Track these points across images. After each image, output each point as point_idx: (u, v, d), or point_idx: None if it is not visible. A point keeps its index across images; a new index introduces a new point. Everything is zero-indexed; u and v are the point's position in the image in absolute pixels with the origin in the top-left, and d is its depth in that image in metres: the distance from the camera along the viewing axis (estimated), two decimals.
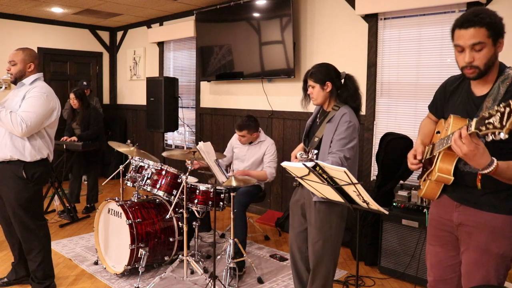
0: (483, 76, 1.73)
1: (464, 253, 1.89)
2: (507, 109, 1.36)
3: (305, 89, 2.67)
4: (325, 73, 2.57)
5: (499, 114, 1.38)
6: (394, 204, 3.54)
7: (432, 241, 2.04)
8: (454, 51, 1.78)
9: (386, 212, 2.02)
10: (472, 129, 1.49)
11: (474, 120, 1.50)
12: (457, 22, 1.72)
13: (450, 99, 1.94)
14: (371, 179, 4.28)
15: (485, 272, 1.81)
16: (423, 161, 1.96)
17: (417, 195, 3.47)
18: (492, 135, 1.40)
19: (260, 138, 4.01)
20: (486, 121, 1.42)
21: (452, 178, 1.77)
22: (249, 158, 3.97)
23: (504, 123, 1.36)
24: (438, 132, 1.98)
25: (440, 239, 1.99)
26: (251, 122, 3.90)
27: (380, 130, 4.25)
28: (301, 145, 2.74)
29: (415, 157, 1.95)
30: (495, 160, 1.56)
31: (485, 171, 1.57)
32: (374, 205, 1.97)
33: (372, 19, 4.22)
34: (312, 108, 2.76)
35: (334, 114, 2.54)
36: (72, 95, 5.23)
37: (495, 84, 1.74)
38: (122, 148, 3.75)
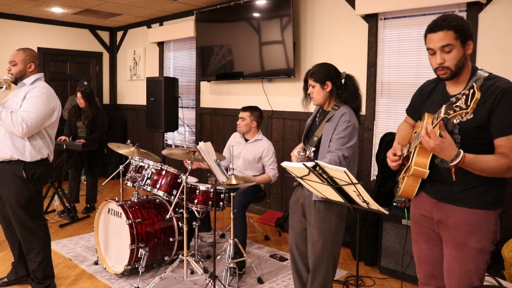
0: (455, 77, 1.85)
1: (445, 250, 1.96)
2: (471, 91, 1.48)
3: (305, 88, 2.68)
4: (325, 72, 2.57)
5: (464, 96, 1.51)
6: (394, 204, 3.54)
7: (417, 239, 2.11)
8: (428, 54, 1.90)
9: (386, 212, 2.03)
10: (442, 114, 1.60)
11: (443, 106, 1.61)
12: (428, 27, 1.86)
13: (427, 100, 2.04)
14: (371, 179, 4.28)
15: (465, 267, 1.88)
16: (401, 159, 2.05)
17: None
18: (460, 117, 1.53)
19: (257, 137, 4.02)
20: (454, 105, 1.54)
21: (428, 171, 1.86)
22: (245, 155, 3.98)
23: (468, 103, 1.48)
24: (415, 132, 2.06)
25: (424, 236, 2.06)
26: (255, 110, 4.01)
27: (380, 130, 4.25)
28: (301, 144, 2.74)
29: (394, 155, 2.04)
30: (462, 152, 1.67)
31: (454, 163, 1.68)
32: (374, 205, 1.98)
33: (372, 19, 4.23)
34: (312, 108, 2.77)
35: (334, 114, 2.54)
36: (79, 94, 5.23)
37: (468, 84, 1.85)
38: (122, 150, 3.75)
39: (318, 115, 2.70)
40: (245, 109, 4.00)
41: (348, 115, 2.50)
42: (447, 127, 1.80)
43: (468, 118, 1.51)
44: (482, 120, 1.76)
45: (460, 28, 1.77)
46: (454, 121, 1.56)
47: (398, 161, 2.02)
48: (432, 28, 1.83)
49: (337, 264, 2.69)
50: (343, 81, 2.62)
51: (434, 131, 1.66)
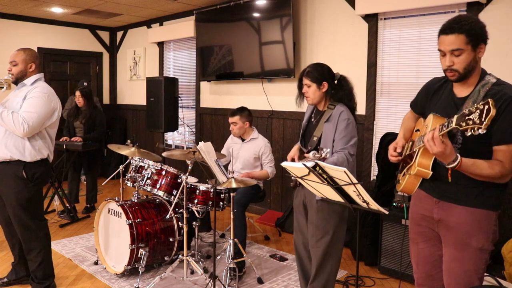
0: (463, 79, 1.86)
1: (445, 250, 1.96)
2: (486, 107, 1.49)
3: (300, 87, 2.71)
4: (321, 73, 2.61)
5: (478, 111, 1.52)
6: (394, 204, 3.54)
7: (415, 239, 2.12)
8: (439, 54, 1.89)
9: (386, 212, 2.03)
10: (453, 124, 1.62)
11: (455, 116, 1.62)
12: (441, 28, 1.85)
13: (432, 98, 2.04)
14: (371, 179, 4.28)
15: (465, 267, 1.89)
16: (402, 156, 2.09)
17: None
18: (472, 131, 1.54)
19: (253, 135, 4.03)
20: (466, 118, 1.56)
21: (431, 172, 1.88)
22: (243, 155, 3.99)
23: (483, 119, 1.49)
24: (418, 130, 2.08)
25: (423, 235, 2.07)
26: (242, 111, 3.99)
27: (380, 130, 4.25)
28: (297, 146, 2.75)
29: (395, 150, 2.08)
30: (459, 157, 1.74)
31: (451, 166, 1.75)
32: (374, 205, 1.98)
33: (372, 19, 4.23)
34: (305, 107, 2.79)
35: (331, 113, 2.57)
36: (78, 93, 5.23)
37: (476, 87, 1.86)
38: (122, 150, 3.75)
39: (313, 115, 2.72)
40: (233, 113, 3.98)
41: (346, 112, 2.55)
42: (452, 130, 1.82)
43: (481, 133, 1.52)
44: None
45: (472, 32, 1.76)
46: (466, 133, 1.58)
47: (397, 158, 2.06)
48: (444, 30, 1.82)
49: (340, 262, 2.70)
50: (336, 82, 2.66)
51: (439, 138, 1.70)
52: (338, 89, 2.63)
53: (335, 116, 2.54)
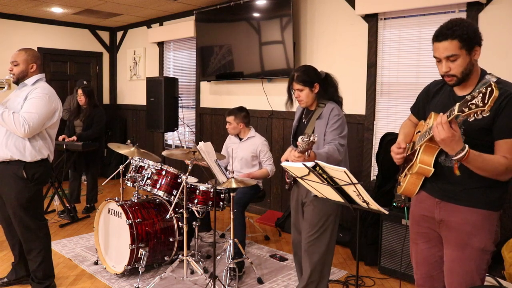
0: (462, 83, 1.87)
1: (446, 250, 1.96)
2: (489, 89, 1.49)
3: (289, 91, 2.77)
4: (311, 75, 2.66)
5: (481, 94, 1.51)
6: (394, 204, 3.54)
7: (415, 239, 2.12)
8: (435, 61, 1.89)
9: (386, 212, 2.03)
10: (455, 112, 1.61)
11: (457, 104, 1.61)
12: (434, 35, 1.85)
13: (433, 99, 2.05)
14: (371, 179, 4.28)
15: (466, 267, 1.89)
16: (406, 153, 2.06)
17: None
18: (475, 115, 1.54)
19: (250, 134, 4.06)
20: (469, 103, 1.55)
21: (432, 169, 1.88)
22: (240, 154, 4.01)
23: (486, 101, 1.49)
24: (419, 132, 2.07)
25: (424, 236, 2.07)
26: (239, 111, 4.00)
27: (380, 130, 4.25)
28: (291, 148, 2.77)
29: (399, 148, 2.04)
30: (467, 146, 1.69)
31: (459, 156, 1.70)
32: (374, 205, 1.98)
33: (372, 19, 4.23)
34: (294, 108, 2.86)
35: (322, 111, 2.63)
36: (80, 91, 5.23)
37: (477, 86, 1.86)
38: (122, 150, 3.75)
39: (303, 115, 2.78)
40: (229, 113, 4.03)
41: (336, 109, 2.62)
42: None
43: (484, 116, 1.52)
44: (488, 122, 1.78)
45: (465, 37, 1.76)
46: (468, 119, 1.57)
47: (403, 154, 2.02)
48: (437, 37, 1.82)
49: (332, 260, 2.74)
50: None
51: (448, 123, 1.68)
52: (327, 87, 2.70)
53: (326, 113, 2.61)
